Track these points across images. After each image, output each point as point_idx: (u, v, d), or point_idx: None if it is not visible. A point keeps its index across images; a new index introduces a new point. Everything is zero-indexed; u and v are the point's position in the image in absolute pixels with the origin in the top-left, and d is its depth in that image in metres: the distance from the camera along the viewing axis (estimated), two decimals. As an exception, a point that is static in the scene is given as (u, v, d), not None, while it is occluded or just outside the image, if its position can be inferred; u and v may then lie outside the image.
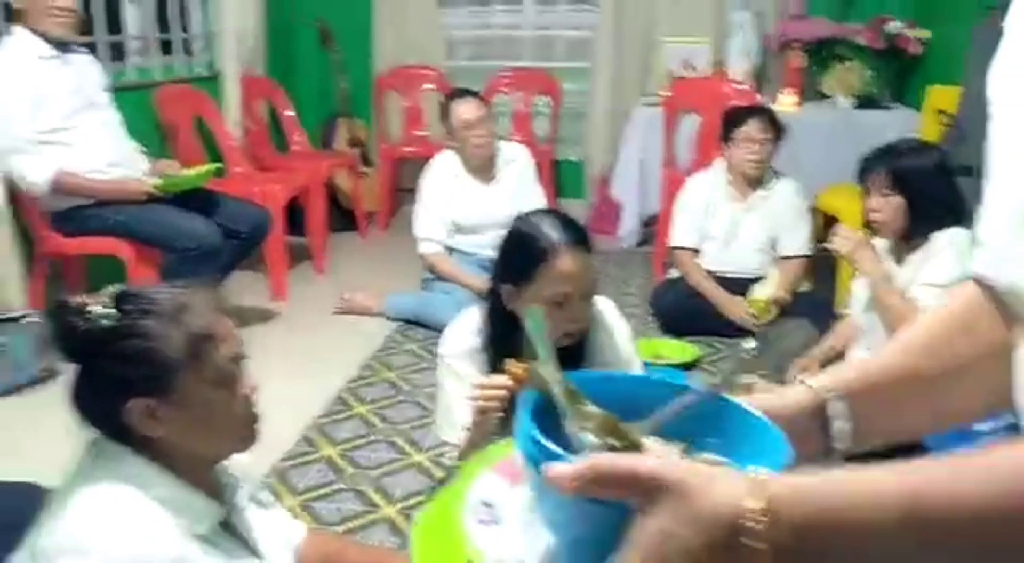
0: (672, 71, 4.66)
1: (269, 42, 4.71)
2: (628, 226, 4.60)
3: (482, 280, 3.29)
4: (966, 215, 2.36)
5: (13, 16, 2.93)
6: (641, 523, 0.49)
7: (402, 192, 5.05)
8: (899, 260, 2.39)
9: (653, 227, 4.40)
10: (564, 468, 0.52)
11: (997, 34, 0.59)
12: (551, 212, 1.84)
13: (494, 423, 1.62)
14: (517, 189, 3.57)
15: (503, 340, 1.73)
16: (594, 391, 0.64)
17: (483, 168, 3.54)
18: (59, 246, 2.98)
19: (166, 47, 4.11)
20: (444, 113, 3.50)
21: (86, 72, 3.01)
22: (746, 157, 3.27)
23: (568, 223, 1.73)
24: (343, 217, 4.83)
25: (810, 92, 4.56)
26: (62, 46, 2.95)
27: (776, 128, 3.31)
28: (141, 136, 3.39)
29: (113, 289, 1.14)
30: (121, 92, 3.26)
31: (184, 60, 4.29)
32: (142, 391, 1.11)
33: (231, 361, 1.17)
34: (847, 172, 3.74)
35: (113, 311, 1.11)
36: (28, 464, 1.83)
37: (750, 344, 3.20)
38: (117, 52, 3.88)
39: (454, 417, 1.78)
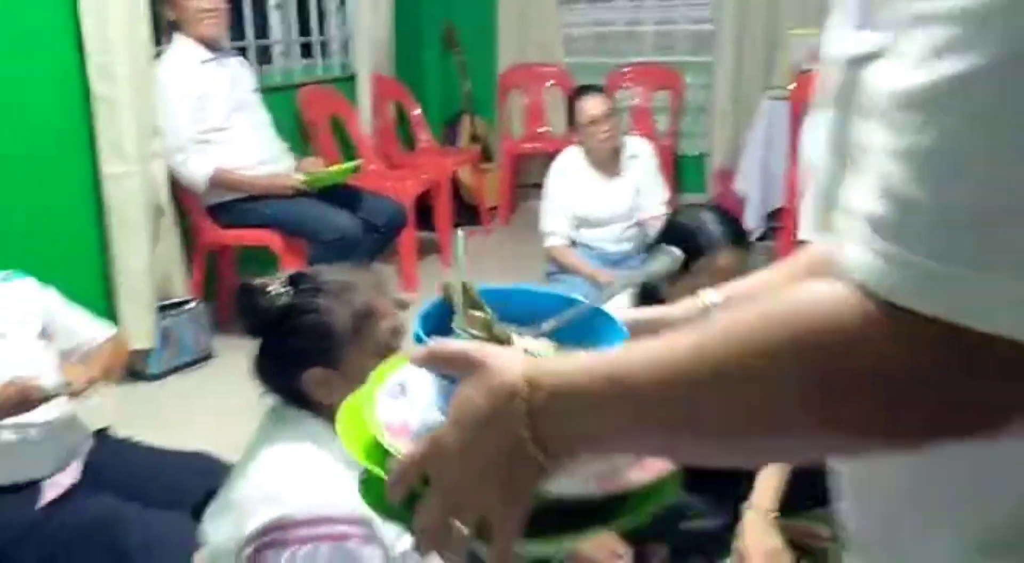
0: (798, 64, 4.60)
1: (398, 45, 4.90)
2: (751, 220, 4.57)
3: (605, 272, 3.38)
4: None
5: (172, 27, 3.18)
6: (458, 392, 0.60)
7: (523, 187, 5.17)
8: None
9: (777, 221, 4.36)
10: (420, 349, 0.66)
11: None
12: (712, 207, 1.87)
13: None
14: (640, 184, 3.61)
15: None
16: (501, 301, 0.77)
17: (607, 163, 3.60)
18: (217, 237, 3.22)
19: (306, 50, 4.35)
20: (570, 109, 3.58)
21: (239, 74, 3.24)
22: None
23: (728, 219, 1.76)
24: (466, 212, 4.98)
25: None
26: (218, 50, 3.18)
27: None
28: (284, 134, 3.60)
29: (288, 272, 1.28)
30: (266, 92, 3.48)
31: (322, 62, 4.52)
32: (316, 361, 1.23)
33: (391, 335, 1.28)
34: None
35: (289, 290, 1.25)
36: (193, 434, 2.02)
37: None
38: (263, 55, 4.13)
39: None
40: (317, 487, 1.19)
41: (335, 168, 3.38)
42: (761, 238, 4.50)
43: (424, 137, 4.91)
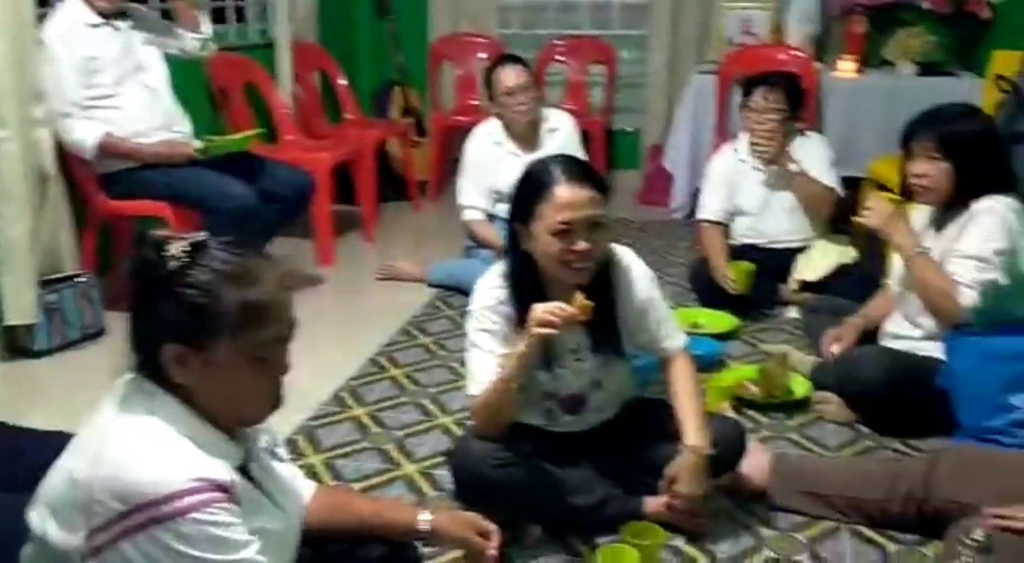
0: (730, 38, 4.54)
1: (324, 10, 4.75)
2: (679, 197, 4.53)
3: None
4: (1014, 183, 2.26)
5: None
6: None
7: (455, 161, 5.05)
8: (939, 227, 2.30)
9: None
10: None
11: None
12: (561, 156, 1.89)
13: (536, 356, 1.77)
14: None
15: (523, 283, 1.83)
16: None
17: (526, 136, 3.51)
18: (107, 208, 3.07)
19: (218, 15, 4.17)
20: (487, 79, 3.48)
21: (134, 36, 3.08)
22: (753, 128, 3.17)
23: (571, 161, 1.83)
24: (396, 186, 4.87)
25: (873, 59, 4.40)
26: (113, 14, 3.01)
27: (790, 99, 3.15)
28: (193, 103, 3.46)
29: (197, 237, 1.18)
30: (172, 60, 3.31)
31: (237, 28, 4.35)
32: (181, 338, 1.14)
33: (274, 342, 1.19)
34: (905, 141, 3.64)
35: (184, 257, 1.14)
36: (78, 414, 1.90)
37: (792, 314, 3.14)
38: (169, 19, 3.95)
39: (480, 372, 1.84)
40: (162, 464, 1.11)
41: (233, 136, 3.25)
42: (690, 215, 4.45)
43: (350, 108, 4.77)
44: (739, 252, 3.25)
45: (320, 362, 2.73)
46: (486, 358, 1.84)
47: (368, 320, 3.26)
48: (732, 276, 3.06)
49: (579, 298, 1.71)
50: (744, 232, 3.31)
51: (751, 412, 2.48)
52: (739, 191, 3.29)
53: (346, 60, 4.92)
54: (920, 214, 2.41)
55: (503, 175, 3.50)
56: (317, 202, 3.65)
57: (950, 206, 2.26)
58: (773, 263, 3.21)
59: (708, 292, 3.20)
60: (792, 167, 3.14)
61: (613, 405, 2.02)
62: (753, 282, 3.09)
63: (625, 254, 1.95)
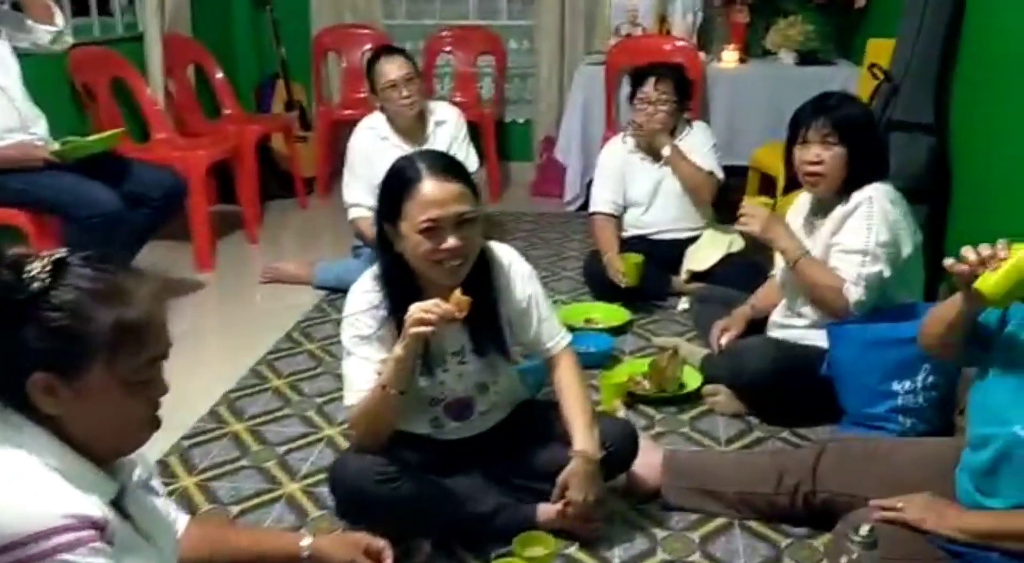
0: (617, 28, 4.53)
1: (199, 2, 4.52)
2: (572, 189, 4.50)
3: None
4: (887, 170, 2.28)
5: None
6: None
7: (343, 156, 4.89)
8: (825, 214, 2.29)
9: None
10: None
11: None
12: (426, 151, 1.85)
13: (417, 355, 1.70)
14: (448, 151, 3.44)
15: (397, 285, 1.75)
16: None
17: (412, 130, 3.41)
18: (-46, 217, 2.83)
19: (81, 6, 3.90)
20: (369, 72, 3.36)
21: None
22: (646, 120, 3.17)
23: (437, 155, 1.77)
24: (282, 184, 4.69)
25: (755, 48, 4.46)
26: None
27: (679, 89, 3.17)
28: (54, 101, 3.23)
29: (58, 254, 1.06)
30: (29, 55, 3.07)
31: (102, 21, 4.08)
32: (49, 366, 1.03)
33: (150, 363, 1.09)
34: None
35: (47, 276, 1.03)
36: None
37: (684, 306, 3.14)
38: (18, 11, 3.66)
39: (358, 381, 1.76)
40: (28, 500, 1.00)
41: (93, 137, 3.03)
42: (583, 207, 4.43)
43: (229, 103, 4.57)
44: (630, 244, 3.24)
45: (197, 375, 2.58)
46: (363, 365, 1.75)
47: (251, 327, 3.11)
48: (622, 269, 3.04)
49: (456, 294, 1.64)
50: (634, 223, 3.30)
51: (644, 407, 2.46)
52: (629, 183, 3.28)
53: (224, 53, 4.71)
54: (796, 211, 2.42)
55: (389, 171, 3.40)
56: (193, 203, 3.47)
57: (836, 193, 2.25)
58: (663, 254, 3.21)
59: (601, 286, 3.17)
60: (665, 151, 3.15)
61: (502, 408, 1.96)
62: (644, 274, 3.08)
63: (504, 251, 1.88)
